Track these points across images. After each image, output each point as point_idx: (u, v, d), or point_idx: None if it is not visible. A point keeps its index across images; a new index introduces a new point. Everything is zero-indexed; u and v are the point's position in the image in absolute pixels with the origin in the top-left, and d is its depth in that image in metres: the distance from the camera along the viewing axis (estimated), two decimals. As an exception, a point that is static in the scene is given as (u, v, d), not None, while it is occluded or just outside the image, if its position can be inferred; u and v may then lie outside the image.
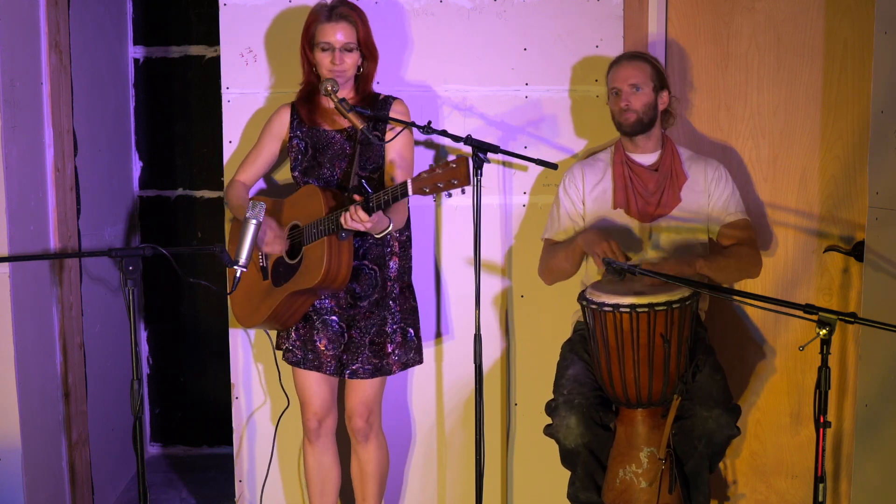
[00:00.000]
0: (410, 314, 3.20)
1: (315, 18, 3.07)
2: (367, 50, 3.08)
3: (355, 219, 2.84)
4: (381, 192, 2.85)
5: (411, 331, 3.19)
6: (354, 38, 3.04)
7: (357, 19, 3.05)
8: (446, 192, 2.78)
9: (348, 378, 3.14)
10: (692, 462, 2.97)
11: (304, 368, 3.15)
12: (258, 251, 3.17)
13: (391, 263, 3.14)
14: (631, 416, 2.98)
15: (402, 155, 3.13)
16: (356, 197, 2.87)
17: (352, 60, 3.04)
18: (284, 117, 3.19)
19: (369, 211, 2.85)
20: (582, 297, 2.98)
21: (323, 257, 2.95)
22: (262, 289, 3.16)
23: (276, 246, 3.07)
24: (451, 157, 3.41)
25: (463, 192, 2.81)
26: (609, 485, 3.00)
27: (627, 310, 2.84)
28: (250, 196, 3.29)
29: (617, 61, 3.19)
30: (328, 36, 3.02)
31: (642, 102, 3.12)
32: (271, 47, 3.39)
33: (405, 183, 2.82)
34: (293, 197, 3.13)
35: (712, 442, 2.93)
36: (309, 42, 3.08)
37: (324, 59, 3.03)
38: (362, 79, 3.12)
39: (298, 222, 3.07)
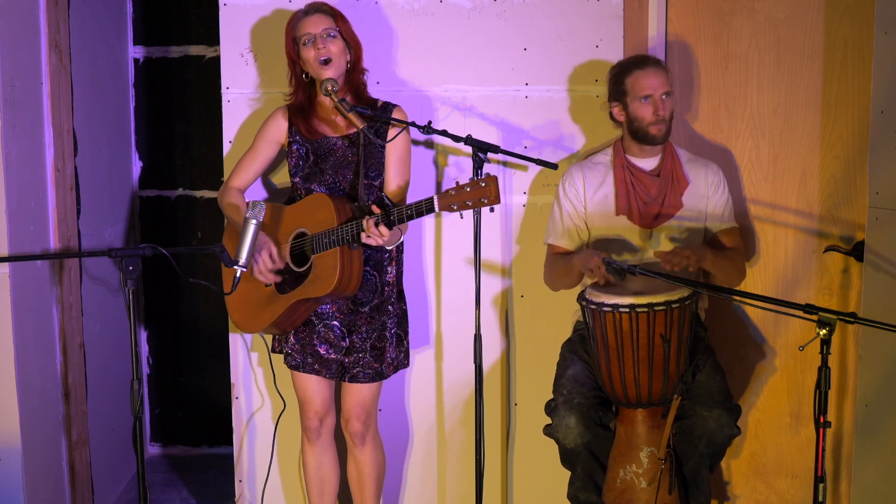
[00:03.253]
0: (403, 318, 3.21)
1: (293, 20, 3.11)
2: (349, 38, 3.09)
3: (375, 233, 2.85)
4: (405, 207, 2.85)
5: (402, 334, 3.20)
6: (333, 24, 3.05)
7: (332, 11, 3.09)
8: (474, 210, 2.79)
9: (349, 382, 3.14)
10: (692, 462, 2.97)
11: (305, 372, 3.15)
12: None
13: (389, 269, 3.14)
14: (631, 416, 2.98)
15: (401, 161, 3.12)
16: (374, 209, 2.87)
17: (336, 48, 3.04)
18: (282, 121, 3.17)
19: (390, 225, 2.85)
20: (581, 298, 2.98)
21: (336, 266, 2.94)
22: (263, 295, 3.15)
23: (266, 277, 3.08)
24: (457, 162, 3.41)
25: (492, 210, 2.82)
26: (609, 485, 3.00)
27: (627, 310, 2.84)
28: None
29: (641, 65, 3.10)
30: (308, 27, 3.04)
31: (670, 110, 3.10)
32: (271, 47, 3.39)
33: (431, 199, 2.82)
34: (299, 204, 3.11)
35: (712, 442, 2.93)
36: (293, 44, 3.09)
37: (309, 53, 3.04)
38: (351, 71, 3.11)
39: (306, 230, 3.06)
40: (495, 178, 2.76)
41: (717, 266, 3.11)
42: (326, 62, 3.01)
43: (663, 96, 3.08)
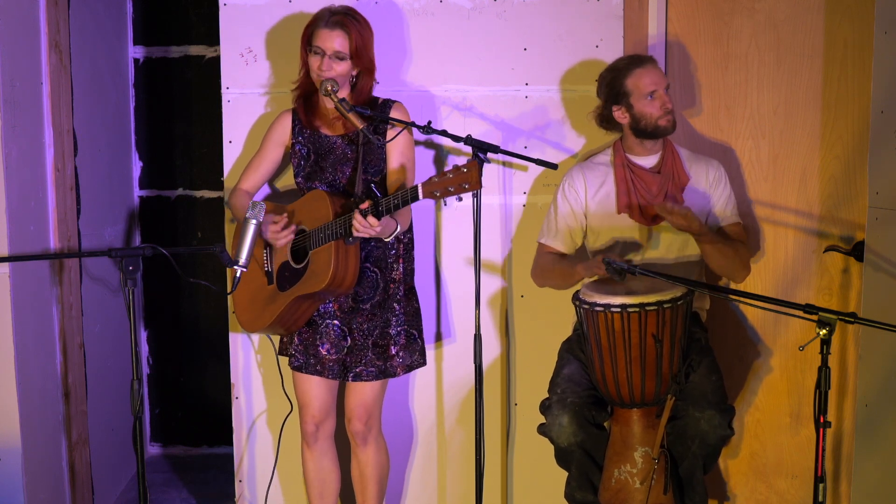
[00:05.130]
0: (414, 316, 3.20)
1: (315, 21, 3.07)
2: (359, 61, 3.05)
3: (364, 224, 2.85)
4: (391, 197, 2.87)
5: (415, 333, 3.19)
6: (347, 47, 3.01)
7: (353, 30, 3.02)
8: (457, 196, 2.80)
9: (352, 381, 3.14)
10: (687, 462, 2.97)
11: (307, 373, 3.15)
12: (263, 253, 3.17)
13: (396, 266, 3.14)
14: (626, 416, 2.98)
15: (403, 157, 3.12)
16: (365, 202, 2.88)
17: (341, 69, 3.03)
18: (286, 123, 3.18)
19: (378, 215, 2.86)
20: (575, 297, 2.98)
21: (330, 261, 2.95)
22: (266, 293, 3.16)
23: (280, 238, 3.07)
24: (456, 161, 3.42)
25: (474, 195, 2.83)
26: (605, 484, 3.00)
27: (618, 310, 2.84)
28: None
29: (638, 65, 3.11)
30: (321, 41, 3.02)
31: (672, 103, 3.13)
32: (271, 47, 3.39)
33: (416, 187, 2.83)
34: (299, 202, 3.12)
35: (705, 443, 2.93)
36: (306, 44, 3.08)
37: (313, 63, 3.03)
38: (357, 90, 3.10)
39: (305, 227, 3.07)
40: (476, 163, 2.78)
41: (716, 247, 3.06)
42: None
43: (665, 90, 3.10)
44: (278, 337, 3.33)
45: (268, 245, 3.16)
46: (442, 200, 2.89)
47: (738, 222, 3.21)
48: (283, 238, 3.07)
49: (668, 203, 3.01)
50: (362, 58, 3.05)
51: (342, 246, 2.98)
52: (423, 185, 2.83)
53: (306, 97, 3.16)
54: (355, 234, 2.90)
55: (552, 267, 3.21)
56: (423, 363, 3.23)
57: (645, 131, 3.12)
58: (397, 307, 3.15)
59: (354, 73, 3.08)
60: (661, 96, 3.09)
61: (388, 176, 3.12)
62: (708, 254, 3.09)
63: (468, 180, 2.78)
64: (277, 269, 3.14)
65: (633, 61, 3.13)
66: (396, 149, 3.11)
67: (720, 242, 3.09)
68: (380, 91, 3.33)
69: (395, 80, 3.41)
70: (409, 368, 3.19)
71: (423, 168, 3.41)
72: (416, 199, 2.83)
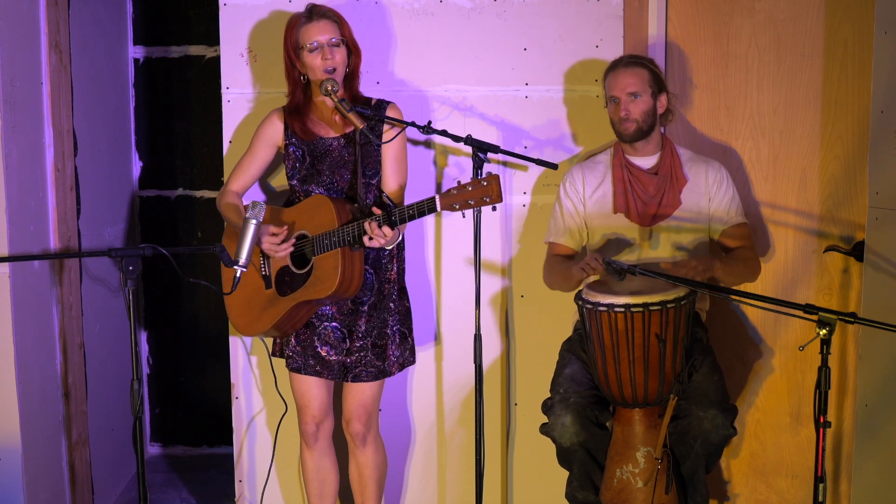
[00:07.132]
0: (406, 315, 3.20)
1: (296, 23, 3.07)
2: (351, 45, 3.09)
3: (378, 234, 2.85)
4: (407, 207, 2.86)
5: (406, 331, 3.20)
6: (339, 33, 3.04)
7: (336, 16, 3.07)
8: (475, 209, 2.79)
9: (351, 382, 3.14)
10: (689, 462, 2.97)
11: (307, 374, 3.15)
12: (260, 258, 3.16)
13: (390, 267, 3.14)
14: (628, 416, 2.98)
15: (398, 158, 3.12)
16: (375, 210, 2.87)
17: (341, 56, 3.04)
18: (278, 123, 3.17)
19: (392, 225, 2.86)
20: (578, 297, 2.99)
21: (337, 268, 2.94)
22: (264, 297, 3.15)
23: (279, 251, 3.06)
24: (457, 162, 3.42)
25: (494, 209, 2.82)
26: (606, 484, 3.00)
27: (622, 309, 2.84)
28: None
29: (613, 67, 3.15)
30: (314, 35, 3.02)
31: (641, 110, 3.10)
32: (271, 47, 3.39)
33: (433, 199, 2.82)
34: (299, 206, 3.11)
35: (708, 442, 2.93)
36: (295, 48, 3.07)
37: (315, 60, 3.02)
38: (349, 77, 3.11)
39: (306, 232, 3.06)
40: (497, 177, 2.77)
41: (729, 271, 3.09)
42: (332, 71, 3.01)
43: (630, 97, 3.09)
44: (271, 338, 3.32)
45: None
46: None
47: (744, 223, 3.21)
48: (281, 251, 3.06)
49: (673, 266, 3.02)
50: (352, 41, 3.09)
51: (348, 252, 2.97)
52: (442, 197, 2.81)
53: (297, 108, 3.13)
54: (368, 243, 2.89)
55: (556, 268, 3.22)
56: (413, 361, 3.24)
57: (615, 132, 3.15)
58: (392, 306, 3.15)
59: (347, 61, 3.08)
60: (620, 102, 3.10)
61: (382, 179, 3.12)
62: (721, 279, 3.11)
63: (489, 193, 2.76)
64: (276, 273, 3.13)
65: (615, 63, 3.17)
66: (391, 150, 3.11)
67: (728, 265, 3.10)
68: (380, 91, 3.33)
69: (395, 80, 3.41)
70: (402, 366, 3.19)
71: (424, 168, 3.42)
72: (433, 210, 2.83)
